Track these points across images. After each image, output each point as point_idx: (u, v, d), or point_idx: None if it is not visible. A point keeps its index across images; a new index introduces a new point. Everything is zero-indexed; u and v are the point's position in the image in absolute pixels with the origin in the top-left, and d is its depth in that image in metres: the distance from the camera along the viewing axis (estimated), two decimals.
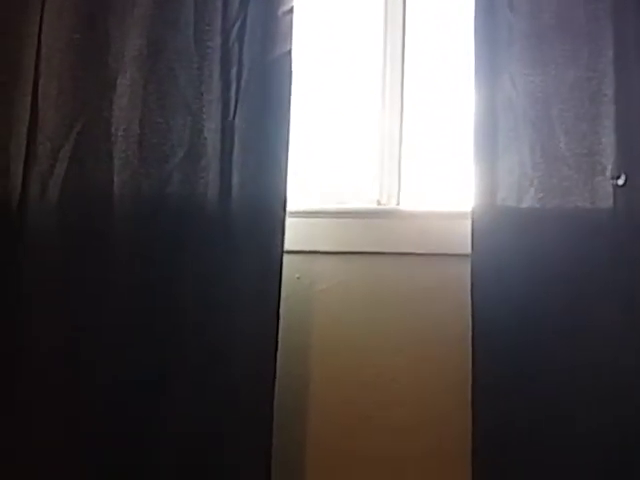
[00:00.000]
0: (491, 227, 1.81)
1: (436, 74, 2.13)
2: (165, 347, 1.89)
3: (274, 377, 1.84)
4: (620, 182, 1.75)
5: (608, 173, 1.77)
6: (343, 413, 1.95)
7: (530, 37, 1.85)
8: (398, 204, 2.05)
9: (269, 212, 1.91)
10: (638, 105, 1.77)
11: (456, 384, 1.83)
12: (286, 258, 1.89)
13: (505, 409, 1.77)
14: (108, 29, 2.00)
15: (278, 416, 1.83)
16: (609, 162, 1.76)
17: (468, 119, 1.87)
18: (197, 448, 1.86)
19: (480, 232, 1.81)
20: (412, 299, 1.94)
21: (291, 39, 1.94)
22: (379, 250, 1.98)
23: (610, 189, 1.76)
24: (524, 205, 1.80)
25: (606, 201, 1.76)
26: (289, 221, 1.91)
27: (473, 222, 1.81)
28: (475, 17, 1.87)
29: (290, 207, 1.92)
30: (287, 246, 1.90)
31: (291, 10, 1.95)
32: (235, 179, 1.93)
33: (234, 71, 1.95)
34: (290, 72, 1.93)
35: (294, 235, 1.94)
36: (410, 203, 2.05)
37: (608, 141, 1.77)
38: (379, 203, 2.06)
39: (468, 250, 1.81)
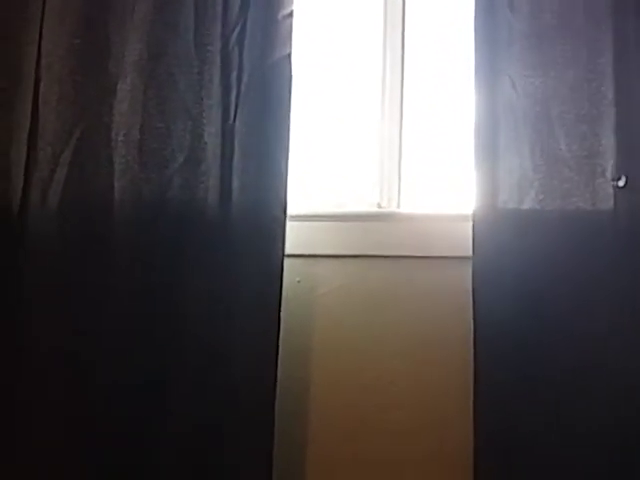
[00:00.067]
0: (492, 229, 1.81)
1: (436, 76, 2.13)
2: (166, 351, 1.89)
3: (275, 380, 1.84)
4: (621, 184, 1.74)
5: (608, 175, 1.76)
6: (344, 416, 1.94)
7: (530, 38, 1.84)
8: (398, 207, 2.05)
9: (269, 216, 1.91)
10: (638, 106, 1.76)
11: (457, 387, 1.82)
12: (287, 262, 1.89)
13: (507, 413, 1.76)
14: (108, 34, 2.01)
15: (279, 419, 1.83)
16: (609, 164, 1.76)
17: (468, 121, 1.87)
18: (197, 448, 1.86)
19: (481, 234, 1.81)
20: (413, 302, 1.94)
21: (291, 43, 1.95)
22: (380, 253, 1.97)
23: (611, 191, 1.75)
24: (525, 207, 1.79)
25: (607, 203, 1.75)
26: (289, 225, 1.91)
27: (474, 224, 1.81)
28: (475, 18, 1.87)
29: (290, 211, 1.92)
30: (288, 250, 1.90)
31: (291, 14, 1.96)
32: (235, 183, 1.93)
33: (234, 75, 1.95)
34: (290, 76, 1.93)
35: (295, 239, 1.93)
36: (410, 206, 2.05)
37: (608, 143, 1.76)
38: (379, 206, 2.06)
39: (469, 253, 1.81)
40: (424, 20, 2.13)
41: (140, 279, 1.92)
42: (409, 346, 1.93)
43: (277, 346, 1.85)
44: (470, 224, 1.81)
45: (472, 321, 1.78)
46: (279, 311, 1.86)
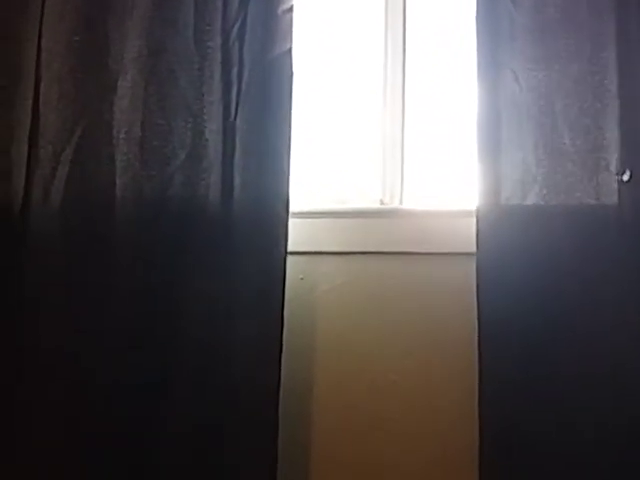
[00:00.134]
0: (496, 225, 1.79)
1: (438, 71, 2.12)
2: (167, 350, 1.89)
3: (278, 379, 1.83)
4: (625, 178, 1.72)
5: (613, 169, 1.74)
6: (347, 415, 1.93)
7: (533, 31, 1.83)
8: (401, 203, 2.03)
9: (271, 213, 1.90)
10: None
11: (462, 384, 1.81)
12: (289, 259, 1.88)
13: (512, 411, 1.75)
14: (108, 31, 2.00)
15: (281, 419, 1.82)
16: (614, 158, 1.74)
17: (471, 116, 1.85)
18: (197, 448, 1.86)
19: (485, 230, 1.79)
20: (417, 299, 1.93)
21: (291, 38, 1.93)
22: (383, 250, 1.96)
23: (615, 185, 1.73)
24: (528, 202, 1.78)
25: (611, 197, 1.73)
26: (292, 222, 1.90)
27: (478, 220, 1.79)
28: (477, 11, 1.85)
29: (293, 208, 1.91)
30: (290, 247, 1.89)
31: (291, 9, 1.94)
32: (237, 180, 1.92)
33: (235, 71, 1.95)
34: (291, 71, 1.92)
35: (297, 236, 1.92)
36: (413, 202, 2.03)
37: (612, 136, 1.74)
38: (382, 203, 2.04)
39: (473, 249, 1.79)
40: (426, 14, 2.11)
41: (141, 277, 1.91)
42: (413, 343, 1.91)
43: (280, 344, 1.84)
44: (473, 220, 1.80)
45: (476, 317, 1.77)
46: (282, 309, 1.85)
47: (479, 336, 1.76)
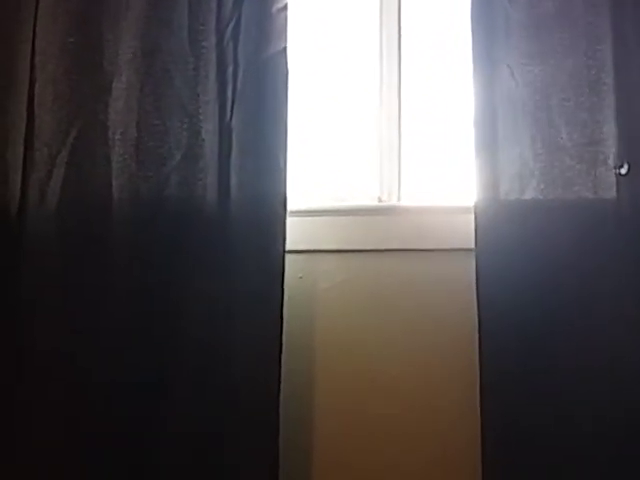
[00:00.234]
0: (494, 221, 1.79)
1: (434, 67, 2.12)
2: (165, 351, 1.88)
3: (279, 378, 1.83)
4: (623, 171, 1.73)
5: (611, 162, 1.74)
6: (348, 415, 1.93)
7: (528, 27, 1.83)
8: (399, 200, 2.03)
9: (269, 212, 1.89)
10: (638, 92, 1.74)
11: (463, 384, 1.81)
12: (288, 258, 1.87)
13: (514, 406, 1.75)
14: (102, 32, 2.00)
15: (281, 419, 1.82)
16: (611, 151, 1.74)
17: (467, 112, 1.85)
18: (197, 448, 1.85)
19: (483, 226, 1.79)
20: (416, 296, 1.92)
21: (286, 36, 1.93)
22: (381, 247, 1.96)
23: (613, 178, 1.73)
24: (526, 197, 1.78)
25: (609, 191, 1.74)
26: (290, 221, 1.89)
27: (476, 216, 1.79)
28: (472, 7, 1.85)
29: (290, 206, 1.90)
30: (288, 246, 1.88)
31: (285, 7, 1.94)
32: (234, 180, 1.92)
33: (230, 71, 1.94)
34: (286, 69, 1.92)
35: (295, 235, 1.92)
36: (411, 199, 2.03)
37: (609, 130, 1.74)
38: (380, 200, 2.04)
39: (471, 245, 1.79)
40: (421, 10, 2.11)
41: (139, 278, 1.91)
42: (413, 340, 1.91)
43: (280, 343, 1.84)
44: (471, 216, 1.79)
45: (476, 313, 1.77)
46: (281, 308, 1.85)
47: (479, 332, 1.76)
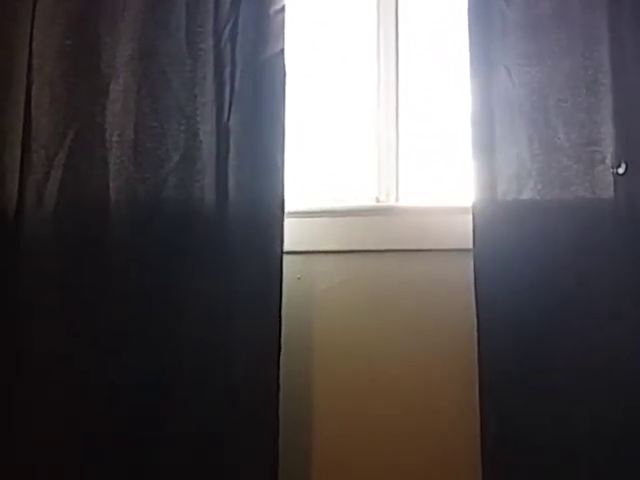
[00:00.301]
0: (492, 221, 1.79)
1: (431, 68, 2.12)
2: (164, 352, 1.88)
3: (278, 378, 1.83)
4: (620, 171, 1.73)
5: (608, 162, 1.74)
6: (347, 415, 1.93)
7: (525, 27, 1.83)
8: (397, 201, 2.03)
9: (267, 214, 1.89)
10: (636, 93, 1.75)
11: (462, 384, 1.81)
12: (286, 259, 1.87)
13: (512, 406, 1.75)
14: (99, 34, 2.00)
15: (280, 419, 1.82)
16: (608, 151, 1.74)
17: (464, 113, 1.85)
18: (197, 448, 1.85)
19: (481, 226, 1.79)
20: (415, 296, 1.92)
21: (283, 38, 1.93)
22: (380, 248, 1.96)
23: (610, 178, 1.74)
24: (524, 197, 1.78)
25: (607, 190, 1.74)
26: (288, 222, 1.89)
27: (474, 216, 1.79)
28: (469, 8, 1.85)
29: (288, 208, 1.90)
30: (286, 247, 1.88)
31: (283, 9, 1.94)
32: (231, 182, 1.92)
33: (227, 72, 1.94)
34: (284, 71, 1.92)
35: (293, 236, 1.92)
36: (409, 200, 2.03)
37: (607, 130, 1.75)
38: (378, 200, 2.04)
39: (469, 245, 1.79)
40: (418, 12, 2.12)
41: (137, 280, 1.91)
42: (412, 341, 1.91)
43: (279, 345, 1.84)
44: (469, 216, 1.80)
45: (475, 313, 1.77)
46: (279, 309, 1.85)
47: (478, 332, 1.76)
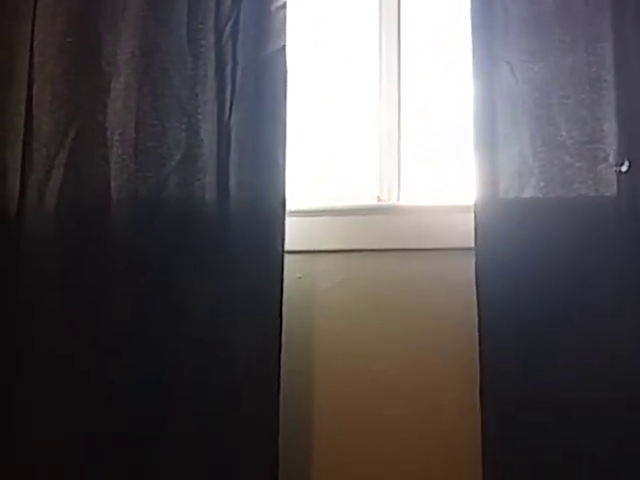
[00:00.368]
0: (494, 219, 1.78)
1: (433, 64, 2.10)
2: (165, 352, 1.88)
3: (278, 378, 1.83)
4: (624, 169, 1.71)
5: (611, 160, 1.72)
6: (347, 414, 1.92)
7: (528, 23, 1.81)
8: (398, 200, 2.02)
9: (268, 212, 1.89)
10: (639, 90, 1.73)
11: (463, 383, 1.79)
12: (287, 258, 1.87)
13: (515, 405, 1.74)
14: (100, 32, 2.00)
15: (281, 418, 1.81)
16: (612, 149, 1.72)
17: (467, 110, 1.84)
18: (197, 448, 1.85)
19: (483, 225, 1.78)
20: (416, 295, 1.91)
21: (285, 35, 1.92)
22: (381, 247, 1.95)
23: (613, 176, 1.72)
24: (526, 195, 1.77)
25: (610, 188, 1.72)
26: (289, 221, 1.89)
27: (476, 215, 1.78)
28: (471, 3, 1.84)
29: (290, 206, 1.90)
30: (287, 246, 1.88)
31: (284, 5, 1.93)
32: (233, 180, 1.91)
33: (228, 70, 1.94)
34: (285, 68, 1.91)
35: (294, 235, 1.91)
36: (410, 198, 2.02)
37: (610, 127, 1.73)
38: (379, 199, 2.03)
39: (471, 244, 1.78)
40: (420, 7, 2.10)
41: (138, 279, 1.90)
42: (413, 340, 1.90)
43: (279, 344, 1.83)
44: (471, 215, 1.78)
45: (476, 312, 1.75)
46: (280, 308, 1.84)
47: (479, 330, 1.75)
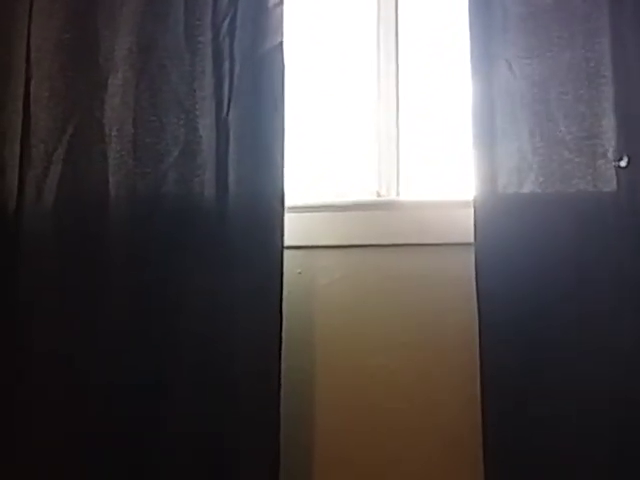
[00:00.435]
0: (493, 215, 1.78)
1: (432, 61, 2.11)
2: (164, 349, 1.88)
3: (279, 374, 1.83)
4: (623, 164, 1.72)
5: (610, 155, 1.73)
6: (348, 410, 1.93)
7: (526, 20, 1.81)
8: (398, 195, 2.03)
9: (267, 208, 1.89)
10: (637, 85, 1.74)
11: (464, 378, 1.80)
12: (286, 254, 1.87)
13: (515, 400, 1.74)
14: (97, 28, 2.00)
15: (281, 415, 1.82)
16: (610, 144, 1.73)
17: (465, 105, 1.84)
18: (197, 448, 1.85)
19: (482, 220, 1.79)
20: (416, 291, 1.92)
21: (282, 31, 1.92)
22: (380, 242, 1.95)
23: (612, 171, 1.72)
24: (525, 191, 1.77)
25: (609, 184, 1.73)
26: (288, 216, 1.89)
27: (475, 210, 1.79)
28: (469, 2, 1.84)
29: (289, 202, 1.90)
30: (287, 242, 1.88)
31: (281, 2, 1.93)
32: (231, 176, 1.91)
33: (226, 66, 1.93)
34: (283, 64, 1.91)
35: (294, 230, 1.92)
36: (410, 194, 2.03)
37: (609, 123, 1.73)
38: (379, 195, 2.04)
39: (471, 239, 1.79)
40: (418, 4, 2.10)
41: (136, 275, 1.90)
42: (413, 335, 1.91)
43: (280, 339, 1.83)
44: (470, 210, 1.79)
45: (476, 307, 1.76)
46: (280, 304, 1.84)
47: (479, 325, 1.75)
